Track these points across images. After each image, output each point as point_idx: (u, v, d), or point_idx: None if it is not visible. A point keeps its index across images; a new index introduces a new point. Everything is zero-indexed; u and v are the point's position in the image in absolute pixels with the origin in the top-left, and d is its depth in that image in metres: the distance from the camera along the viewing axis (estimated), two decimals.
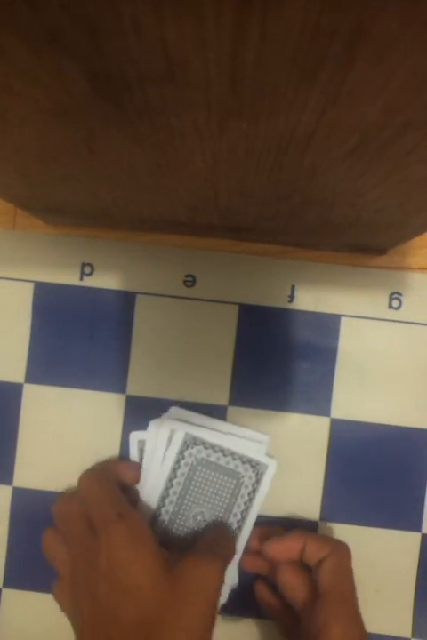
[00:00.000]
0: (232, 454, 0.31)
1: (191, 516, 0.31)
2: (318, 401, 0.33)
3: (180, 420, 0.32)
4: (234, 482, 0.31)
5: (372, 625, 0.32)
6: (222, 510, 0.31)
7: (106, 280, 0.33)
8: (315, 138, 0.14)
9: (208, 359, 0.33)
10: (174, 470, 0.31)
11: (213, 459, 0.31)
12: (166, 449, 0.31)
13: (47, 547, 0.29)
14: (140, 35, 0.10)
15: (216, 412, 0.33)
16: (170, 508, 0.31)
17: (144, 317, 0.33)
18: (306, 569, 0.29)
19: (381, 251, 0.33)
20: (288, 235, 0.30)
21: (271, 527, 0.32)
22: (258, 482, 0.31)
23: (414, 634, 0.33)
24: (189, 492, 0.31)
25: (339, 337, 0.33)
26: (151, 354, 0.33)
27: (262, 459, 0.32)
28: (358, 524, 0.33)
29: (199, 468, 0.31)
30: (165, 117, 0.14)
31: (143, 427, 0.32)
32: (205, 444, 0.31)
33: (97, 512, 0.27)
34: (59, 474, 0.33)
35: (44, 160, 0.19)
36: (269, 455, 0.32)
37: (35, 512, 0.33)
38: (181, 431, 0.31)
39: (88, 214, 0.29)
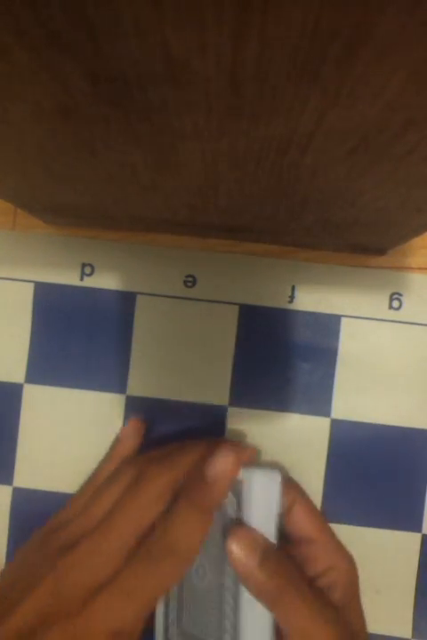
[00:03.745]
0: None
1: (195, 570, 0.26)
2: (319, 401, 0.33)
3: None
4: (220, 515, 0.25)
5: (372, 625, 0.32)
6: (215, 552, 0.25)
7: (106, 280, 0.33)
8: (315, 138, 0.14)
9: (208, 359, 0.33)
10: None
11: None
12: None
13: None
14: (140, 35, 0.10)
15: (216, 412, 0.33)
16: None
17: (144, 317, 0.33)
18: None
19: (381, 251, 0.33)
20: (288, 235, 0.30)
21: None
22: (240, 506, 0.25)
23: (414, 634, 0.33)
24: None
25: (339, 337, 0.33)
26: (151, 354, 0.33)
27: (239, 475, 0.25)
28: (358, 524, 0.33)
29: None
30: (166, 118, 0.14)
31: None
32: None
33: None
34: (59, 474, 0.33)
35: (43, 160, 0.19)
36: (256, 466, 0.26)
37: (35, 512, 0.33)
38: None
39: (88, 214, 0.29)
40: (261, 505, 0.25)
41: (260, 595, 0.23)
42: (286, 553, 0.25)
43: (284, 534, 0.27)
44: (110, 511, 0.24)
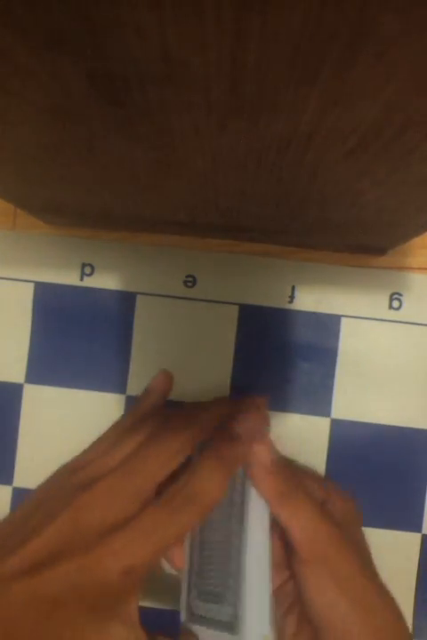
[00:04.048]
0: None
1: (211, 528, 0.27)
2: (319, 401, 0.33)
3: None
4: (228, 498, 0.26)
5: None
6: (225, 513, 0.26)
7: (106, 280, 0.33)
8: (315, 138, 0.14)
9: (208, 359, 0.33)
10: None
11: None
12: None
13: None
14: (140, 35, 0.10)
15: None
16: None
17: (144, 317, 0.33)
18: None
19: (381, 251, 0.33)
20: (288, 235, 0.30)
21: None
22: (244, 487, 0.26)
23: (414, 634, 0.33)
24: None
25: (339, 337, 0.33)
26: (151, 354, 0.33)
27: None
28: None
29: None
30: (165, 117, 0.14)
31: None
32: None
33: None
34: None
35: (43, 160, 0.19)
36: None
37: None
38: None
39: (88, 214, 0.29)
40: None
41: (272, 494, 0.25)
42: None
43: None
44: (131, 456, 0.25)
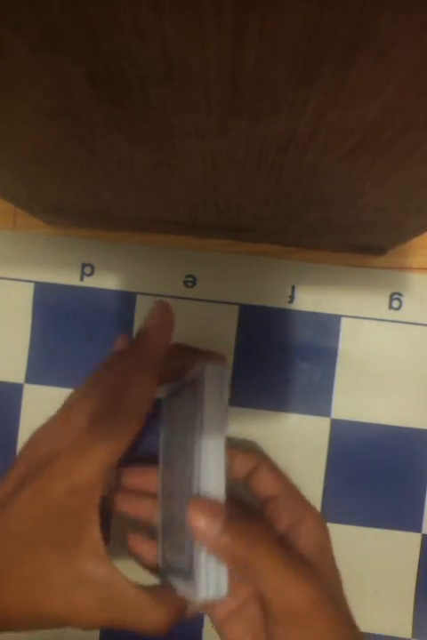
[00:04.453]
0: (182, 386, 0.27)
1: (175, 489, 0.26)
2: (319, 401, 0.33)
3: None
4: (186, 418, 0.25)
5: (372, 625, 0.32)
6: (188, 464, 0.25)
7: (106, 280, 0.33)
8: (315, 138, 0.14)
9: None
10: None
11: (172, 407, 0.28)
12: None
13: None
14: (140, 35, 0.10)
15: None
16: (164, 488, 0.27)
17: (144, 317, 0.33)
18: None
19: (381, 251, 0.33)
20: (288, 235, 0.30)
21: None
22: (200, 397, 0.24)
23: (414, 634, 0.33)
24: (169, 457, 0.27)
25: (339, 337, 0.33)
26: None
27: (196, 371, 0.25)
28: (358, 524, 0.33)
29: (168, 406, 0.28)
30: (165, 117, 0.14)
31: None
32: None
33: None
34: None
35: (44, 160, 0.19)
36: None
37: None
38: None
39: (88, 214, 0.29)
40: (215, 391, 0.25)
41: (231, 561, 0.23)
42: (251, 514, 0.26)
43: (250, 498, 0.27)
44: (77, 395, 0.26)
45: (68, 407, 0.25)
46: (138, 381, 0.24)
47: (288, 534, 0.26)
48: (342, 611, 0.25)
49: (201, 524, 0.22)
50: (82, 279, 0.33)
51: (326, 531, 0.27)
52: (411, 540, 0.33)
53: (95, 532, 0.23)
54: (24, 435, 0.33)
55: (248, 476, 0.27)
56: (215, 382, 0.25)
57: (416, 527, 0.33)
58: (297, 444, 0.33)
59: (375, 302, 0.33)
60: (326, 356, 0.33)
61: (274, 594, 0.23)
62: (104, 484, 0.23)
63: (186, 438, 0.25)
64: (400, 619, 0.33)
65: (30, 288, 0.33)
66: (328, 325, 0.33)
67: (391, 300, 0.33)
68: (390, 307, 0.33)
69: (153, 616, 0.23)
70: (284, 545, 0.25)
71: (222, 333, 0.33)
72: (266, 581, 0.23)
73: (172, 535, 0.26)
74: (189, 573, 0.24)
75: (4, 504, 0.23)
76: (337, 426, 0.33)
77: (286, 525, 0.26)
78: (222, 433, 0.24)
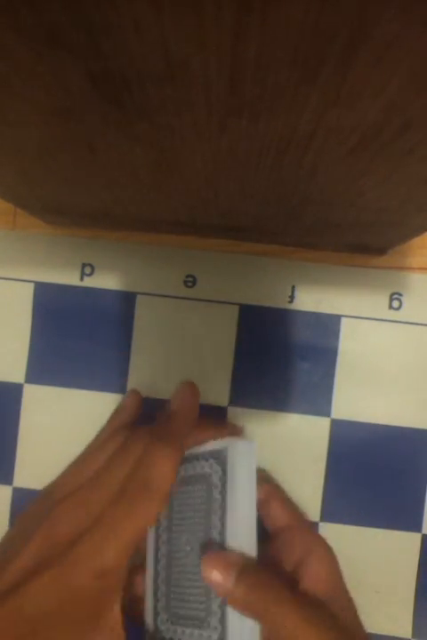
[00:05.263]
0: (197, 456, 0.27)
1: (183, 548, 0.26)
2: (318, 401, 0.33)
3: None
4: (204, 487, 0.26)
5: (372, 625, 0.32)
6: (201, 527, 0.26)
7: (106, 280, 0.33)
8: (315, 138, 0.14)
9: (208, 359, 0.33)
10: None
11: (182, 472, 0.27)
12: None
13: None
14: (140, 35, 0.10)
15: (216, 413, 0.33)
16: (164, 548, 0.27)
17: (144, 317, 0.33)
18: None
19: (381, 251, 0.33)
20: (288, 235, 0.30)
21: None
22: (225, 473, 0.25)
23: (414, 634, 0.33)
24: (174, 521, 0.27)
25: (339, 337, 0.33)
26: (151, 354, 0.33)
27: (220, 445, 0.26)
28: (358, 525, 0.33)
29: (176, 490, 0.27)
30: (165, 117, 0.14)
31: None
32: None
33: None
34: (59, 474, 0.33)
35: (44, 160, 0.19)
36: (239, 440, 0.27)
37: None
38: None
39: (88, 214, 0.29)
40: (244, 468, 0.26)
41: (245, 611, 0.23)
42: (264, 565, 0.25)
43: (262, 529, 0.28)
44: (99, 469, 0.26)
45: (89, 481, 0.25)
46: (166, 461, 0.24)
47: (300, 565, 0.26)
48: None
49: (217, 577, 0.23)
50: (82, 279, 0.33)
51: (335, 560, 0.27)
52: (411, 540, 0.33)
53: (115, 612, 0.22)
54: (24, 435, 0.33)
55: (260, 506, 0.28)
56: (245, 459, 0.26)
57: (416, 527, 0.33)
58: (297, 443, 0.33)
59: (375, 302, 0.33)
60: (326, 356, 0.33)
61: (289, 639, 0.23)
62: (129, 562, 0.23)
63: (201, 507, 0.26)
64: (400, 619, 0.33)
65: (30, 288, 0.33)
66: (328, 325, 0.33)
67: (391, 299, 0.33)
68: (390, 307, 0.33)
69: None
70: (297, 590, 0.25)
71: (222, 333, 0.33)
72: (281, 630, 0.23)
73: (180, 608, 0.26)
74: (204, 619, 0.24)
75: (20, 583, 0.22)
76: (337, 426, 0.33)
77: (297, 557, 0.26)
78: (253, 507, 0.25)
